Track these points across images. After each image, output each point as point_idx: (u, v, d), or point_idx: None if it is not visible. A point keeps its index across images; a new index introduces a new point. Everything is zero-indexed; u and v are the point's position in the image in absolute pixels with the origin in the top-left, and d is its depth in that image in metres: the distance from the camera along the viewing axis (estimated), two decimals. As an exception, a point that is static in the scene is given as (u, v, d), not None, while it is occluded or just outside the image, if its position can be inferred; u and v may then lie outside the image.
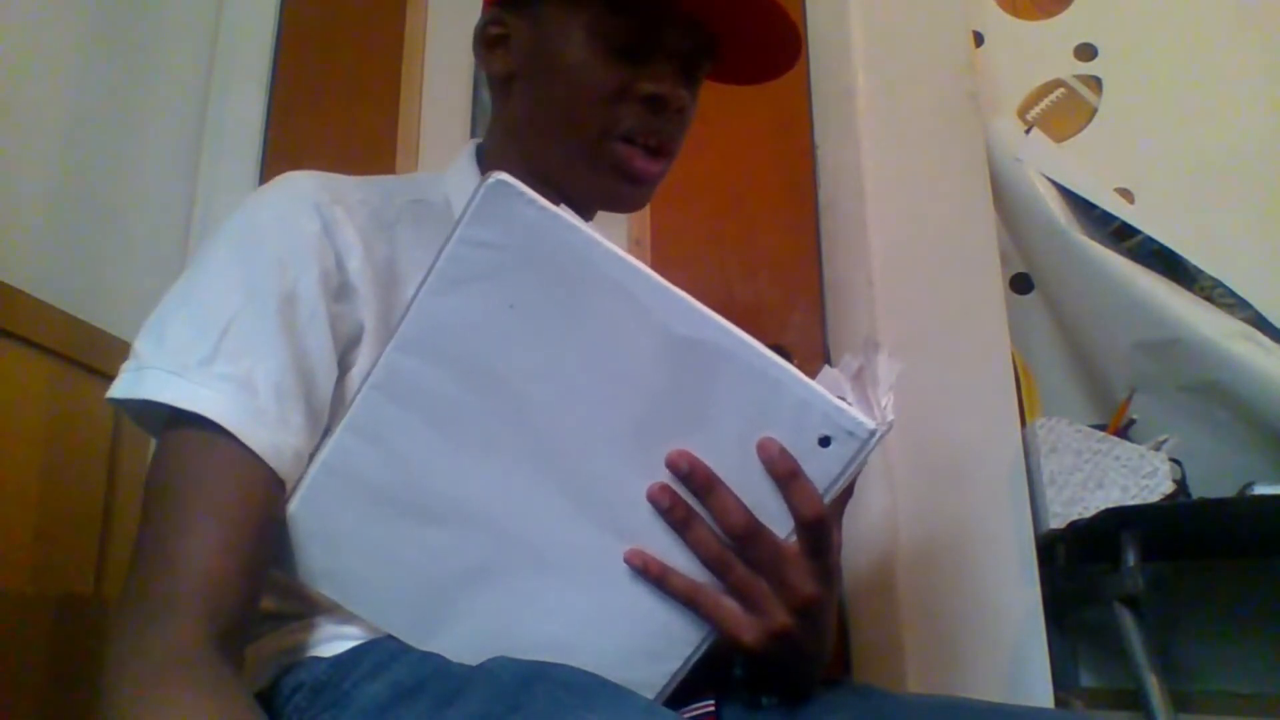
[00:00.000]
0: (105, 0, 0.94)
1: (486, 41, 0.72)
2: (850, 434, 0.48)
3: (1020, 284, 1.64)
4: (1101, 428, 1.33)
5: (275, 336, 0.55)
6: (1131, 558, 1.13)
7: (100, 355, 0.84)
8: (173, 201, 1.06)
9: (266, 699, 0.56)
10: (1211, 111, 1.57)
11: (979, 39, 1.69)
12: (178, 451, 0.53)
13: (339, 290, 0.59)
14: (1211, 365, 1.38)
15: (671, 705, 0.53)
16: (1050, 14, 1.73)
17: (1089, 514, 1.21)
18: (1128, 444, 1.29)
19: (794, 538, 0.50)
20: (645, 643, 0.52)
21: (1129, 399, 1.42)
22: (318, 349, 0.57)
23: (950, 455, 1.27)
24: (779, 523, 0.50)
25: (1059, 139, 1.64)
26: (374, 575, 0.53)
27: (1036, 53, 1.71)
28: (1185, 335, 1.39)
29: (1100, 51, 1.68)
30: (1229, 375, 1.36)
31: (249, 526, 0.51)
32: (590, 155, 0.67)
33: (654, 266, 0.48)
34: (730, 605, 0.51)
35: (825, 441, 0.48)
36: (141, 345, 0.55)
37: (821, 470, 0.49)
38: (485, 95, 1.47)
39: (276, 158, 1.36)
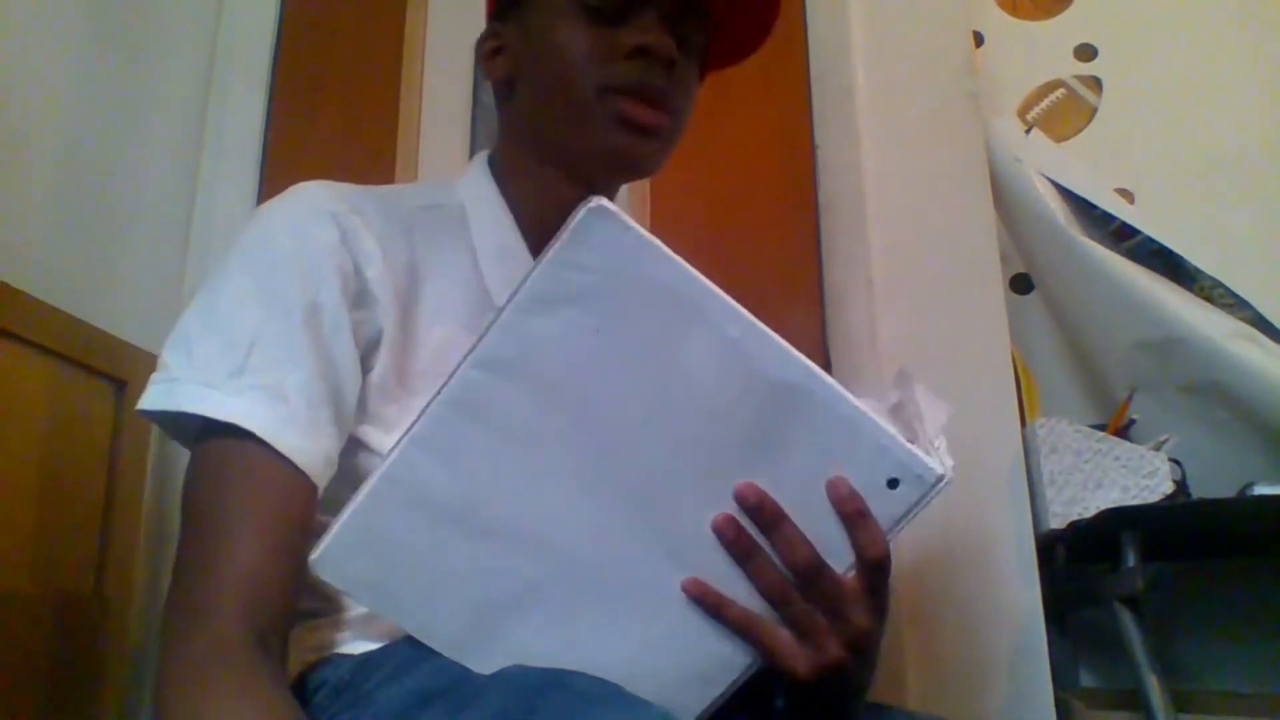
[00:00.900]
0: (105, 0, 0.94)
1: (486, 54, 0.75)
2: (919, 478, 0.49)
3: (1020, 284, 1.64)
4: (1101, 428, 1.33)
5: (302, 346, 0.56)
6: (1131, 558, 1.14)
7: (100, 355, 0.84)
8: (173, 201, 1.06)
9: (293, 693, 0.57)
10: (1211, 111, 1.57)
11: (979, 39, 1.69)
12: (214, 460, 0.54)
13: (358, 297, 0.60)
14: (1211, 365, 1.37)
15: None
16: (1050, 14, 1.73)
17: (1089, 514, 1.21)
18: (1128, 444, 1.29)
19: (851, 572, 0.51)
20: (692, 668, 0.53)
21: (1129, 399, 1.42)
22: (343, 356, 0.58)
23: (950, 455, 1.27)
24: (838, 557, 0.50)
25: (1059, 139, 1.64)
26: (422, 590, 0.53)
27: (1036, 53, 1.71)
28: (1185, 335, 1.39)
29: (1100, 51, 1.68)
30: (1229, 375, 1.36)
31: (285, 528, 0.53)
32: (591, 115, 0.68)
33: None
34: (785, 636, 0.52)
35: (894, 484, 0.49)
36: (170, 358, 0.56)
37: (886, 511, 0.49)
38: (486, 97, 1.47)
39: (276, 158, 1.36)
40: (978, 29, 1.68)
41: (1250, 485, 1.24)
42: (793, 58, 1.41)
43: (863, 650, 0.52)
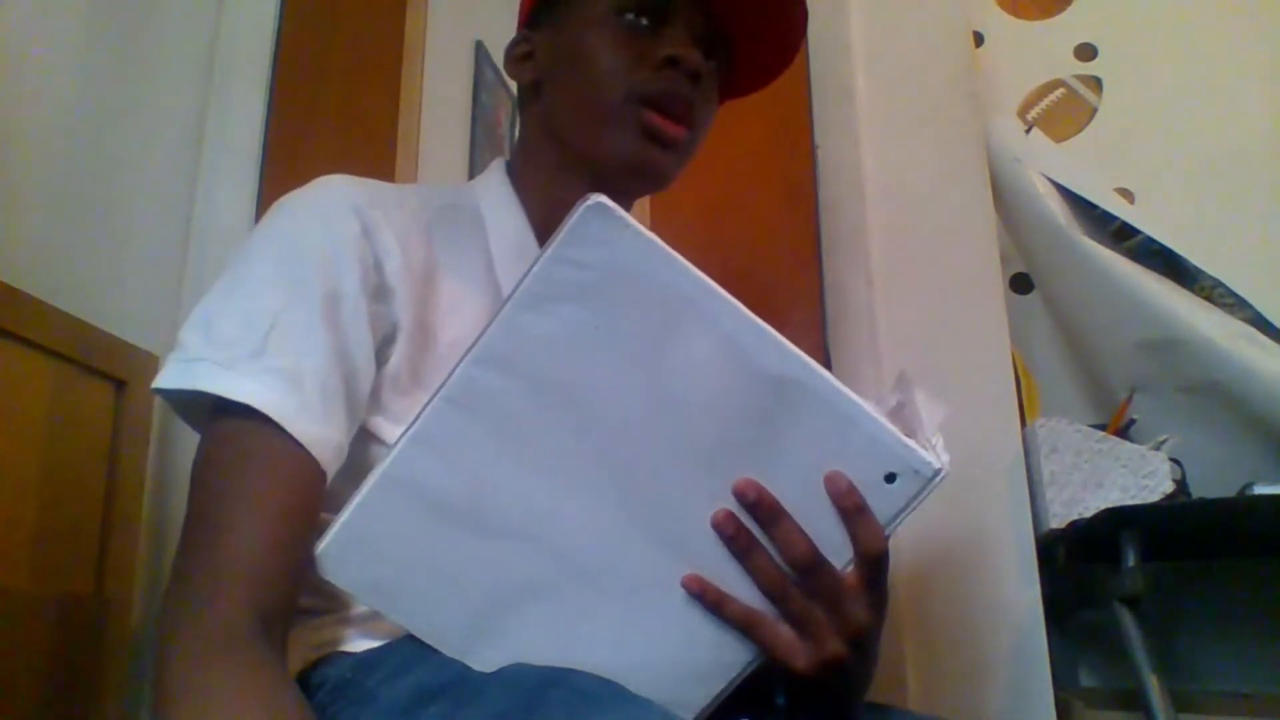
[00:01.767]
0: (105, 1, 0.94)
1: (516, 59, 0.77)
2: (916, 472, 0.49)
3: (1020, 284, 1.64)
4: (1101, 428, 1.33)
5: (320, 333, 0.56)
6: (1131, 558, 1.14)
7: (100, 355, 0.84)
8: (173, 201, 1.06)
9: None
10: (1211, 111, 1.57)
11: (979, 39, 1.69)
12: (226, 441, 0.54)
13: (376, 290, 0.61)
14: (1211, 365, 1.38)
15: None
16: (1050, 14, 1.73)
17: (1089, 514, 1.21)
18: (1128, 444, 1.29)
19: (850, 568, 0.51)
20: (693, 664, 0.53)
21: (1129, 399, 1.42)
22: (359, 346, 0.59)
23: (950, 455, 1.27)
24: (837, 552, 0.51)
25: (1059, 139, 1.64)
26: (423, 588, 0.53)
27: (1036, 53, 1.71)
28: (1185, 335, 1.39)
29: (1100, 51, 1.68)
30: (1229, 375, 1.36)
31: (292, 513, 0.53)
32: (616, 122, 0.70)
33: None
34: (785, 632, 0.52)
35: (891, 478, 0.49)
36: (189, 337, 0.56)
37: (884, 505, 0.50)
38: (486, 97, 1.47)
39: (277, 157, 1.36)
40: (978, 29, 1.68)
41: (1250, 485, 1.24)
42: (793, 58, 1.41)
43: (862, 645, 0.52)
